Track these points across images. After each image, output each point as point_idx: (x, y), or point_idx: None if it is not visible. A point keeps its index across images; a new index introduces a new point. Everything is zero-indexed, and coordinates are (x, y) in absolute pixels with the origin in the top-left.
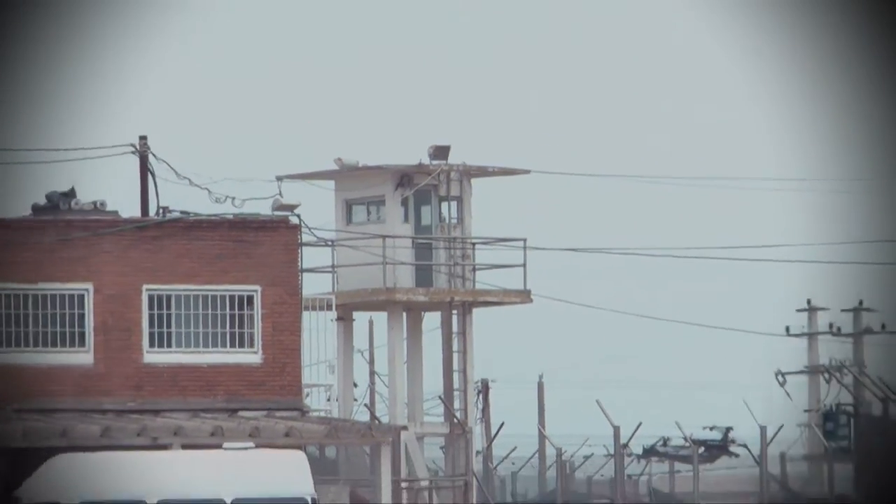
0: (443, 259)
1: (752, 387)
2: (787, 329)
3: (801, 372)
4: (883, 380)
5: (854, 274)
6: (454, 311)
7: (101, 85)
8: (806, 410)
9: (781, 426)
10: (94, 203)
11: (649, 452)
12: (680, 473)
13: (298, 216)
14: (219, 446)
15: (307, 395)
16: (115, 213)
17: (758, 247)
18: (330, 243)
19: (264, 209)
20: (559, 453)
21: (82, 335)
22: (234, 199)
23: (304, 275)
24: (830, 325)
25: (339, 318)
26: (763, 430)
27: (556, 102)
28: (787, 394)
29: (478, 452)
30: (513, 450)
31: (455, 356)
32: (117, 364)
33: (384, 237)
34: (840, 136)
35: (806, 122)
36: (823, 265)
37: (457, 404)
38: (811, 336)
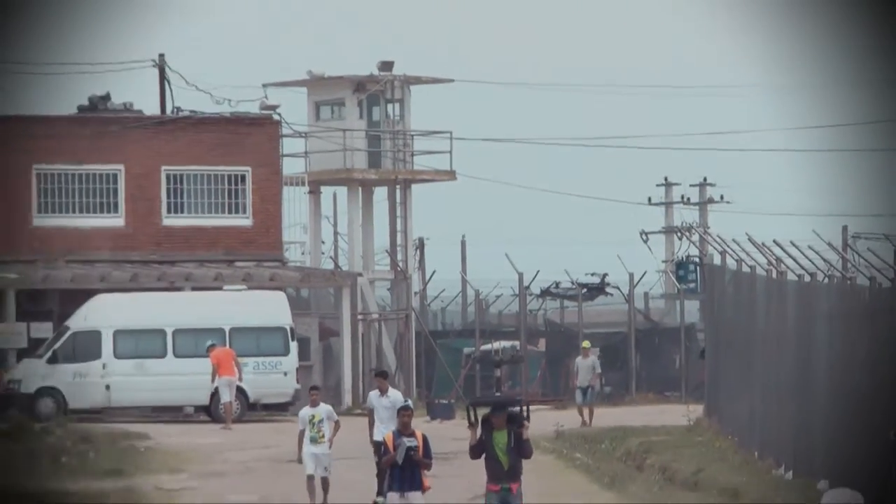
0: (388, 147)
1: (624, 243)
2: (649, 199)
3: (659, 232)
4: (721, 237)
5: (702, 157)
6: (397, 187)
7: (127, 10)
8: (663, 261)
9: (645, 272)
10: (125, 104)
11: (545, 293)
12: (568, 309)
13: (279, 114)
14: (219, 288)
15: (286, 249)
16: (140, 111)
17: (629, 136)
18: (303, 135)
19: (253, 109)
20: (477, 294)
21: (116, 204)
22: (230, 100)
23: (284, 159)
24: (682, 196)
25: (310, 192)
26: (631, 275)
27: (481, 21)
28: (650, 248)
29: (416, 293)
30: (442, 291)
31: (398, 220)
32: (142, 226)
33: (344, 130)
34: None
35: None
36: (678, 150)
37: (399, 257)
38: (667, 205)
